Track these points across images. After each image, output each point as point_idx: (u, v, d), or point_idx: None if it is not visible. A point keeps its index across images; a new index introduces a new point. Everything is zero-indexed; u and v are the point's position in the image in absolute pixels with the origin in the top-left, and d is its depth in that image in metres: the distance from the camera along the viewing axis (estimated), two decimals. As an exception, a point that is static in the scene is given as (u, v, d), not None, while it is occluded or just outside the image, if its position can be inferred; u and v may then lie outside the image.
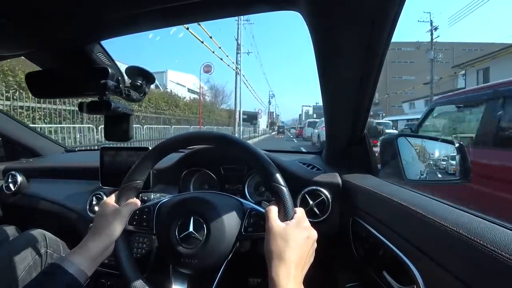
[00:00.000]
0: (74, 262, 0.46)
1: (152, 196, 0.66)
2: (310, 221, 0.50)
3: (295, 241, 0.43)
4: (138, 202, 0.56)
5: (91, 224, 0.53)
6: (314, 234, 0.48)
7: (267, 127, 51.78)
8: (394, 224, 0.52)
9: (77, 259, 0.47)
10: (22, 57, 0.63)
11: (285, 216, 0.47)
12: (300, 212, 0.49)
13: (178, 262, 0.51)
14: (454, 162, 0.87)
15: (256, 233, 0.51)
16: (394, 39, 0.48)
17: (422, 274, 0.41)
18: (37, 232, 0.82)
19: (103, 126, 0.68)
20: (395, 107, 36.97)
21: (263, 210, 0.51)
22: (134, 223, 0.55)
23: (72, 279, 0.45)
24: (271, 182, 0.49)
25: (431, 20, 20.02)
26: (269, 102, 53.56)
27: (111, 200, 0.54)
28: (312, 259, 0.47)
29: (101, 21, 0.48)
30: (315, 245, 0.48)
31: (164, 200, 0.58)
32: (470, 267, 0.33)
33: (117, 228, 0.52)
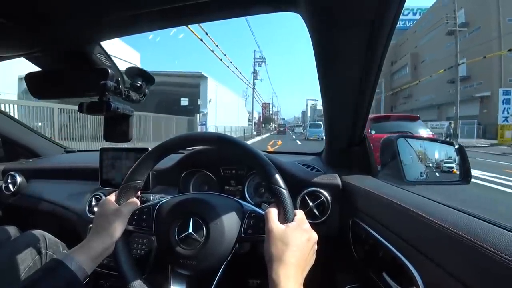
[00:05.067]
0: (76, 259, 0.46)
1: (151, 197, 0.66)
2: (309, 223, 0.49)
3: (295, 243, 0.43)
4: (138, 202, 0.56)
5: (90, 225, 0.53)
6: (314, 236, 0.47)
7: (255, 125, 30.44)
8: (393, 225, 0.52)
9: (78, 257, 0.47)
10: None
11: (285, 218, 0.46)
12: (300, 214, 0.49)
13: (176, 263, 0.51)
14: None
15: (255, 235, 0.51)
16: None
17: (422, 276, 0.41)
18: (37, 233, 0.82)
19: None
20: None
21: (263, 212, 0.51)
22: (134, 223, 0.55)
23: (72, 276, 0.45)
24: (271, 184, 0.48)
25: None
26: (254, 75, 26.62)
27: (111, 199, 0.54)
28: (312, 261, 0.47)
29: (101, 22, 0.48)
30: (316, 247, 0.48)
31: (164, 200, 0.58)
32: (469, 269, 0.33)
33: (118, 228, 0.52)
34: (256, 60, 27.81)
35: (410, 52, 32.45)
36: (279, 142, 17.04)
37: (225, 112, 20.67)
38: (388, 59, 36.18)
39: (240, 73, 18.52)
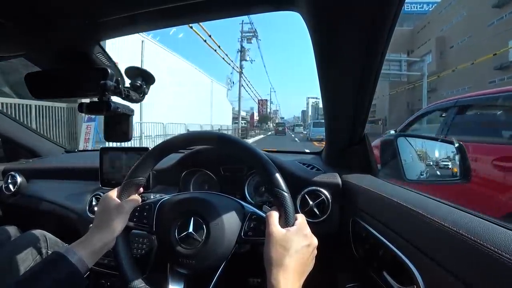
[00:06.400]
0: (77, 253, 0.47)
1: (151, 197, 0.66)
2: (310, 222, 0.49)
3: (295, 248, 0.43)
4: (140, 198, 0.56)
5: (91, 225, 0.53)
6: (314, 241, 0.47)
7: (246, 124, 25.20)
8: (394, 224, 0.52)
9: (79, 250, 0.47)
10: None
11: (286, 222, 0.46)
12: (301, 219, 0.48)
13: (176, 262, 0.51)
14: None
15: (255, 237, 0.51)
16: None
17: (422, 274, 0.41)
18: (38, 233, 0.82)
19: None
20: None
21: (264, 215, 0.50)
22: (135, 219, 0.55)
23: (74, 268, 0.45)
24: (273, 187, 0.48)
25: None
26: (241, 54, 19.08)
27: (113, 194, 0.54)
28: (311, 267, 0.47)
29: (100, 21, 0.48)
30: (315, 252, 0.48)
31: (165, 198, 0.58)
32: (470, 267, 0.33)
33: (119, 224, 0.52)
34: (244, 34, 19.16)
35: (435, 36, 26.10)
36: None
37: (169, 99, 10.57)
38: (404, 48, 28.80)
39: (214, 40, 10.51)
